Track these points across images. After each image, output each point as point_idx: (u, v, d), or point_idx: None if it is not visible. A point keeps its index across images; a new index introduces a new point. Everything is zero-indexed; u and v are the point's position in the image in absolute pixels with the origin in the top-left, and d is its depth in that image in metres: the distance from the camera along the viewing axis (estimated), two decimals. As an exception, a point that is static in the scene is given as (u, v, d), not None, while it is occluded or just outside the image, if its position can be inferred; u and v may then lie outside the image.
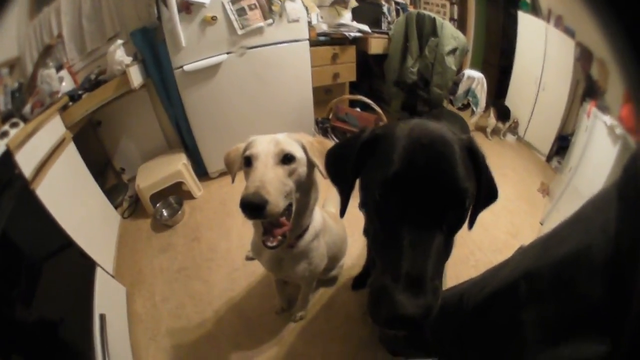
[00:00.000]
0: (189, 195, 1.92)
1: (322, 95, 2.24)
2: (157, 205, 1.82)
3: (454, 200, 0.52)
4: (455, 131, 0.58)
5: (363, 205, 0.64)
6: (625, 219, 0.43)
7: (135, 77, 1.71)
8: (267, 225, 0.81)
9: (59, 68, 1.66)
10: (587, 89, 1.53)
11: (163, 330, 1.30)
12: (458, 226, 0.56)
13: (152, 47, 1.76)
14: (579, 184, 1.43)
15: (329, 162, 0.75)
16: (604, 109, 1.32)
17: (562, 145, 1.73)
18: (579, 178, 1.44)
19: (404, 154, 0.53)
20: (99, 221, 1.63)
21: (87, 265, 1.23)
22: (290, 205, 0.80)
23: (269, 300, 1.34)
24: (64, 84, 1.65)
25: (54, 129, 1.46)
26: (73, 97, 1.62)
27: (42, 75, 1.57)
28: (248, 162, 0.80)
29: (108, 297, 1.25)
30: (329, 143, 0.89)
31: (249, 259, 1.51)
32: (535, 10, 1.83)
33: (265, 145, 0.81)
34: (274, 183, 0.74)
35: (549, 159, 1.83)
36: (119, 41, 1.69)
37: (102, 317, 1.08)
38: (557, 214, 1.52)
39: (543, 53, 1.81)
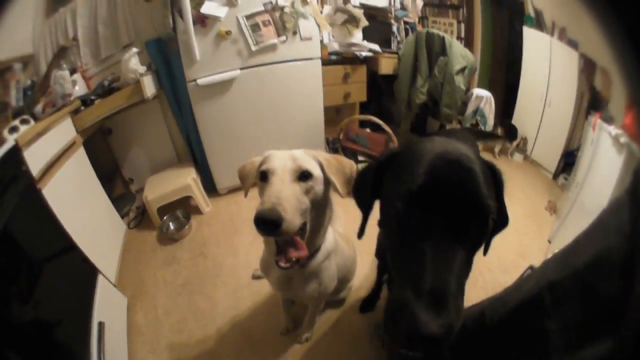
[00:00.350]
0: (197, 210, 1.91)
1: (333, 114, 2.22)
2: (165, 218, 1.80)
3: (478, 217, 0.52)
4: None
5: (383, 222, 0.63)
6: (637, 221, 0.45)
7: (149, 87, 1.71)
8: (281, 244, 0.78)
9: (72, 71, 1.68)
10: (592, 101, 1.55)
11: (163, 344, 1.26)
12: (480, 243, 0.57)
13: (165, 58, 1.77)
14: (585, 199, 1.42)
15: (355, 188, 0.75)
16: (609, 119, 1.32)
17: (568, 161, 1.74)
18: (586, 194, 1.43)
19: (430, 169, 0.53)
20: (104, 229, 1.61)
21: (88, 271, 1.21)
22: (304, 223, 0.78)
23: (274, 320, 1.29)
24: (77, 87, 1.66)
25: (64, 131, 1.46)
26: (85, 101, 1.63)
27: (56, 76, 1.58)
28: (264, 176, 0.78)
29: (108, 306, 1.22)
30: (347, 160, 0.89)
31: (256, 277, 1.46)
32: (539, 24, 1.85)
33: (282, 161, 0.79)
34: (290, 200, 0.72)
35: (555, 176, 1.83)
36: (134, 49, 1.71)
37: (101, 325, 1.05)
38: (565, 232, 1.51)
39: (548, 68, 1.83)
